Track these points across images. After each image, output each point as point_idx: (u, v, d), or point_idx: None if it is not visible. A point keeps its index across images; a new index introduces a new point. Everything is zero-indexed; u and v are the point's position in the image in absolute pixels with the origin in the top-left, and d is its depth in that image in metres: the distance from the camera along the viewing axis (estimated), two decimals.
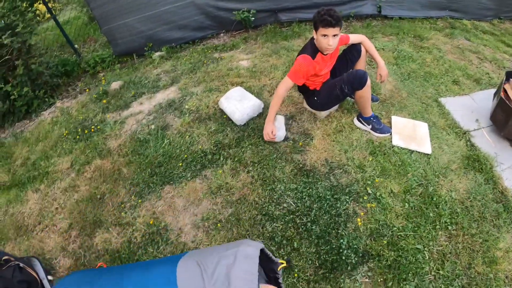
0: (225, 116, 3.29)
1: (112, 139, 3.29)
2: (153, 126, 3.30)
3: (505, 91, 2.95)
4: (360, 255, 2.28)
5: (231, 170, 2.83)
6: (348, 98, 3.23)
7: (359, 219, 2.43)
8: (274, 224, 2.47)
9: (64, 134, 3.49)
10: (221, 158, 2.93)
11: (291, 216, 2.49)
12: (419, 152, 2.85)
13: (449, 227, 2.35)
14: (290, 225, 2.45)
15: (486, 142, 2.99)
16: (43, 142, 3.50)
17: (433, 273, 2.15)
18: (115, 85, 4.05)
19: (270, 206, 2.56)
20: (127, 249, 2.41)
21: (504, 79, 3.00)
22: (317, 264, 2.25)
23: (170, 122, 3.34)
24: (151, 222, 2.53)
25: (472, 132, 3.07)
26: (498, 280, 2.09)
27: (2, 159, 3.47)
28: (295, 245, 2.34)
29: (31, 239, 2.57)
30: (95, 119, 3.59)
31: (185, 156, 2.98)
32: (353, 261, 2.24)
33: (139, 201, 2.69)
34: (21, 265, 2.09)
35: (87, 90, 4.23)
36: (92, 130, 3.43)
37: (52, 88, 4.32)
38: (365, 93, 2.76)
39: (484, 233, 2.31)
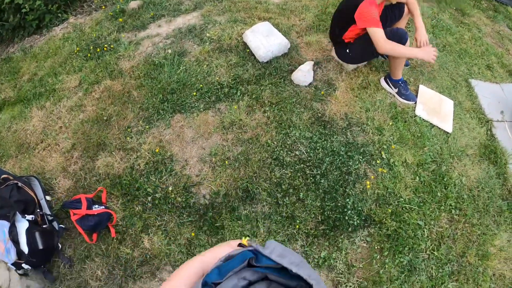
0: (247, 50, 2.95)
1: (125, 60, 2.98)
2: (169, 51, 2.98)
3: None
4: (363, 218, 2.13)
5: (247, 107, 2.58)
6: (379, 56, 2.90)
7: (368, 182, 2.23)
8: (283, 170, 2.27)
9: (75, 51, 3.16)
10: (238, 93, 2.65)
11: (302, 165, 2.29)
12: (439, 128, 2.62)
13: (453, 211, 2.22)
14: (299, 174, 2.26)
15: (507, 136, 2.76)
16: (52, 58, 3.20)
17: (428, 252, 2.06)
18: (133, 4, 3.64)
19: (282, 151, 2.35)
20: (129, 176, 2.25)
21: None
22: (320, 219, 2.10)
23: (188, 49, 3.01)
24: (156, 150, 2.34)
25: (495, 123, 2.83)
26: (485, 275, 2.03)
27: (9, 74, 3.19)
28: (301, 195, 2.17)
29: (32, 158, 2.41)
30: (108, 38, 3.24)
31: (201, 86, 2.70)
32: (355, 223, 2.09)
33: (147, 127, 2.48)
34: (20, 184, 1.97)
35: (103, 7, 3.80)
36: (105, 49, 3.10)
37: (66, 3, 3.89)
38: None
39: (484, 226, 2.21)
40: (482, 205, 2.29)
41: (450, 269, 2.01)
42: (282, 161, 2.31)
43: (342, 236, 2.04)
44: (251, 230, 2.06)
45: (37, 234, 1.85)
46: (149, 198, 2.15)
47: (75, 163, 2.35)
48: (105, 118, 2.54)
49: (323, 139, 2.40)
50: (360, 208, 2.13)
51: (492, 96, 3.06)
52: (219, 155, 2.33)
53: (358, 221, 2.08)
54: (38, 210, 1.95)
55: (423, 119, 2.63)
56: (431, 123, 2.63)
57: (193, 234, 2.04)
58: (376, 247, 2.04)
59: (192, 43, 3.05)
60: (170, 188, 2.18)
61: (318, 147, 2.35)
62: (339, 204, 2.13)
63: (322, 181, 2.21)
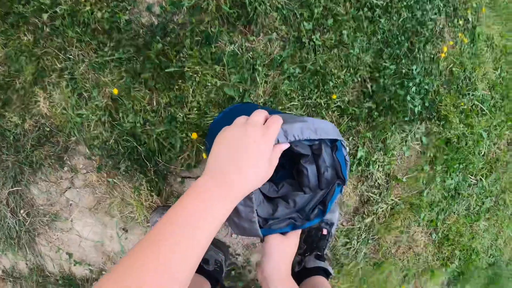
0: None
1: None
2: None
3: None
4: (426, 105, 1.27)
5: None
6: None
7: (445, 48, 1.30)
8: None
9: None
10: None
11: None
12: None
13: None
14: None
15: None
16: None
17: (478, 177, 1.53)
18: None
19: None
20: None
21: None
22: (367, 90, 1.21)
23: None
24: None
25: None
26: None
27: None
28: (345, 36, 1.13)
29: None
30: None
31: None
32: (416, 109, 1.23)
33: None
34: None
35: None
36: None
37: None
38: None
39: None
40: None
41: (488, 205, 1.56)
42: None
43: (393, 127, 1.18)
44: (238, 89, 1.06)
45: None
46: (45, 17, 1.08)
47: None
48: None
49: None
50: (426, 88, 1.23)
51: None
52: None
53: (419, 107, 1.21)
54: None
55: None
56: None
57: (116, 91, 1.06)
58: (428, 155, 1.34)
59: None
60: None
61: None
62: (403, 71, 1.19)
63: (382, 20, 1.18)
